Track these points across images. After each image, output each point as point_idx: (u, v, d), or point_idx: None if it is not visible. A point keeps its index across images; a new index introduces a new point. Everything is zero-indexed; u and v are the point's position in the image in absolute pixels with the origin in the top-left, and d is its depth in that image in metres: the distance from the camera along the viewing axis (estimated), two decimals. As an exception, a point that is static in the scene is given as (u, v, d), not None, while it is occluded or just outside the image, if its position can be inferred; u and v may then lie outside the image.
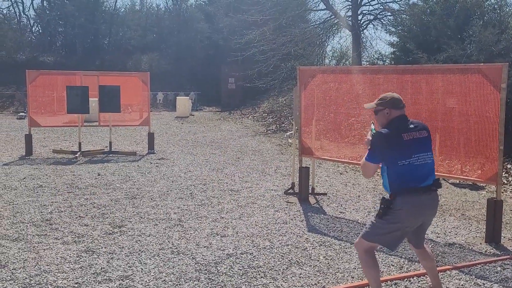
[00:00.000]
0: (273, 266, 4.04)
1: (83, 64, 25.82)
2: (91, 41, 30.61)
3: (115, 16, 31.50)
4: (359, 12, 19.33)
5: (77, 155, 9.83)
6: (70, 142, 12.20)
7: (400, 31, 14.06)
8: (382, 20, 19.19)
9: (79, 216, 5.45)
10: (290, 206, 6.05)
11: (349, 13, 19.41)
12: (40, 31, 30.89)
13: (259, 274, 3.87)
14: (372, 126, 3.35)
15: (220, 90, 25.81)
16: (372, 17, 19.48)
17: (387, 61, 14.87)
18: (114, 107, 10.32)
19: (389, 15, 18.48)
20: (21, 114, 19.78)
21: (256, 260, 4.17)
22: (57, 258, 4.13)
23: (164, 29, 31.12)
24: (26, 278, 3.71)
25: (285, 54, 18.51)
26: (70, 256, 4.19)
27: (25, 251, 4.30)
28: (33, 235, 4.75)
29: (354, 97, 6.10)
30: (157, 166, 8.89)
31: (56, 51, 29.75)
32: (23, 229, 4.93)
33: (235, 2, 24.15)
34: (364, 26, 19.83)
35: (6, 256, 4.16)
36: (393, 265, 4.12)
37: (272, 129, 15.99)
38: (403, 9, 16.76)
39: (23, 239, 4.64)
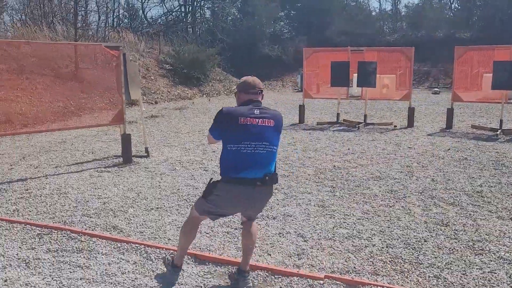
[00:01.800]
0: None
1: (500, 37, 24.26)
2: (510, 13, 28.18)
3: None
4: None
5: (497, 132, 9.51)
6: (487, 118, 11.94)
7: None
8: None
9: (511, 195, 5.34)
10: None
11: None
12: (459, 7, 31.08)
13: None
14: None
15: None
16: None
17: None
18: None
19: None
20: (435, 89, 20.87)
21: None
22: (495, 231, 4.23)
23: None
24: (469, 241, 4.01)
25: None
26: (509, 232, 4.20)
27: (461, 216, 4.63)
28: (467, 204, 5.03)
29: None
30: None
31: (472, 26, 29.25)
32: (457, 196, 5.30)
33: None
34: None
35: (446, 217, 4.62)
36: None
37: None
38: None
39: (458, 205, 5.00)
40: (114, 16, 31.05)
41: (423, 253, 3.76)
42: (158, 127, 11.20)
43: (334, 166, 6.88)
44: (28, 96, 12.06)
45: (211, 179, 3.10)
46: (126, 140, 7.05)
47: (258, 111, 2.97)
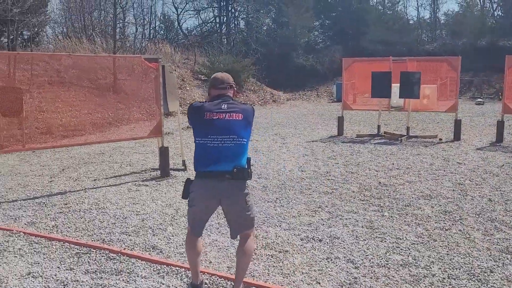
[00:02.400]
0: None
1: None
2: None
3: None
4: None
5: (554, 147, 8.87)
6: (540, 132, 11.22)
7: None
8: None
9: None
10: None
11: None
12: (502, 14, 29.92)
13: None
14: None
15: None
16: None
17: None
18: None
19: None
20: (479, 100, 20.02)
21: None
22: None
23: None
24: (542, 272, 3.60)
25: None
26: None
27: (528, 243, 4.20)
28: (533, 228, 4.58)
29: None
30: None
31: (516, 33, 28.04)
32: (520, 219, 4.86)
33: None
34: None
35: (511, 244, 4.20)
36: None
37: None
38: None
39: (522, 229, 4.56)
40: (151, 28, 31.67)
41: (491, 286, 3.38)
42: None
43: (380, 182, 6.52)
44: (68, 107, 12.26)
45: (188, 178, 3.15)
46: (164, 153, 6.93)
47: (226, 106, 3.05)
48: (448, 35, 29.74)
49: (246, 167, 3.08)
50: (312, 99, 24.85)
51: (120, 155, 9.08)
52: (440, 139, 10.26)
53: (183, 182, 6.65)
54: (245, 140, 3.06)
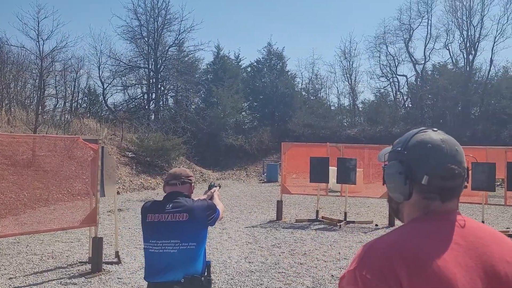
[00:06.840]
0: None
1: (452, 135, 25.77)
2: (459, 112, 30.38)
3: (488, 85, 30.34)
4: None
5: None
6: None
7: None
8: None
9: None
10: None
11: None
12: (411, 105, 33.18)
13: None
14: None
15: None
16: None
17: None
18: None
19: None
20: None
21: None
22: None
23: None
24: None
25: None
26: None
27: None
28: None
29: None
30: None
31: (424, 123, 31.00)
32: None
33: None
34: None
35: None
36: None
37: None
38: None
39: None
40: (73, 101, 30.44)
41: None
42: (125, 223, 10.20)
43: (332, 275, 6.24)
44: (-23, 185, 10.84)
45: None
46: (97, 244, 6.14)
47: (171, 205, 2.72)
48: (366, 121, 32.06)
49: (206, 273, 2.70)
50: (242, 179, 24.77)
51: (40, 244, 7.97)
52: (376, 225, 10.41)
53: (118, 278, 5.90)
54: (194, 244, 2.67)
